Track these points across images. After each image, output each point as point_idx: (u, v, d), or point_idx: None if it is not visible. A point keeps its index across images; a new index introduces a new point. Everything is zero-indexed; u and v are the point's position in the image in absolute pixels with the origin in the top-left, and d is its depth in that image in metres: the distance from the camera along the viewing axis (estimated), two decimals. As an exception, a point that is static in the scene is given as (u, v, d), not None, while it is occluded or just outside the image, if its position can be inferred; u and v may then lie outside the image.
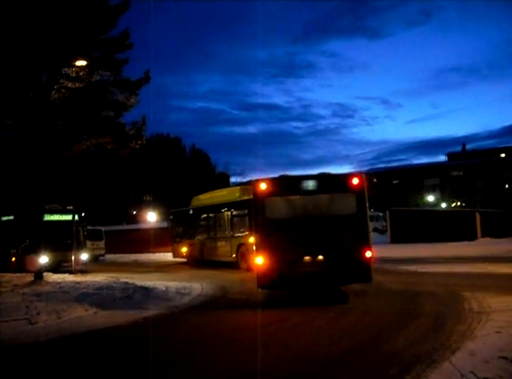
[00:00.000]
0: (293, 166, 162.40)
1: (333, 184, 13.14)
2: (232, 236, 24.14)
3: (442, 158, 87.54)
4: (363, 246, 12.31)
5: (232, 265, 23.58)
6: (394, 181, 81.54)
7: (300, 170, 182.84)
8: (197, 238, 27.74)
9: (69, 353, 8.44)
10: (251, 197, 15.75)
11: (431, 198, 74.20)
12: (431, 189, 78.08)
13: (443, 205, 69.33)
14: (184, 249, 29.18)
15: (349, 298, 12.89)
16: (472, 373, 6.15)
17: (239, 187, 26.26)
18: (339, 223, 12.40)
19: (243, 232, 23.15)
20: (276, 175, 13.10)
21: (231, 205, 24.80)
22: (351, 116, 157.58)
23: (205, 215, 27.54)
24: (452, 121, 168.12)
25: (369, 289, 14.31)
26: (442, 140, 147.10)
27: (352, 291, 14.04)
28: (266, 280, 12.35)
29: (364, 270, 12.33)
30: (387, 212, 39.07)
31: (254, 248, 12.77)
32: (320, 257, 12.29)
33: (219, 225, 26.05)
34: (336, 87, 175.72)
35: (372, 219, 52.96)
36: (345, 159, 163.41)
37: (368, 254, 12.30)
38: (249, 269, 20.06)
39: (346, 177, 13.29)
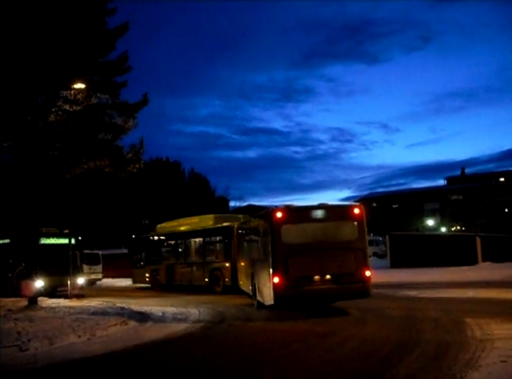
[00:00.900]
0: (292, 190, 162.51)
1: (337, 213, 15.46)
2: (205, 262, 25.00)
3: (442, 182, 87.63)
4: (363, 267, 14.67)
5: (204, 289, 24.36)
6: (394, 206, 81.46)
7: (299, 194, 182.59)
8: (163, 263, 28.15)
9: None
10: (224, 224, 23.07)
11: (430, 222, 73.99)
12: (431, 214, 77.92)
13: (443, 229, 68.98)
14: (147, 275, 29.37)
15: (349, 325, 12.64)
16: (478, 405, 5.90)
17: (212, 215, 27.10)
18: (343, 247, 14.66)
19: (217, 258, 24.49)
20: (278, 202, 15.62)
21: (204, 232, 25.67)
22: (350, 141, 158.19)
23: (172, 242, 28.38)
24: (451, 145, 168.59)
25: (369, 315, 14.09)
26: (441, 165, 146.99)
27: (352, 318, 13.83)
28: (281, 296, 14.29)
29: (365, 287, 14.69)
30: (387, 236, 38.75)
31: (271, 268, 14.43)
32: (328, 276, 14.45)
33: (190, 251, 26.93)
34: (336, 111, 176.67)
35: (371, 243, 52.74)
36: (344, 183, 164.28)
37: (368, 274, 14.69)
38: (222, 292, 22.61)
39: (348, 207, 15.87)
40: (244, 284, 19.81)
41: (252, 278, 17.48)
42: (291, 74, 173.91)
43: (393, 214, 76.47)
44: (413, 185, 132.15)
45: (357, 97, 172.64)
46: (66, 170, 19.84)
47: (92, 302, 19.25)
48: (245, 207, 79.45)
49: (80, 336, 11.88)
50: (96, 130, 19.55)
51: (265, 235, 15.44)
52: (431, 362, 8.26)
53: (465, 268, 30.40)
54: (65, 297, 20.91)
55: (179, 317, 15.45)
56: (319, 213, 15.13)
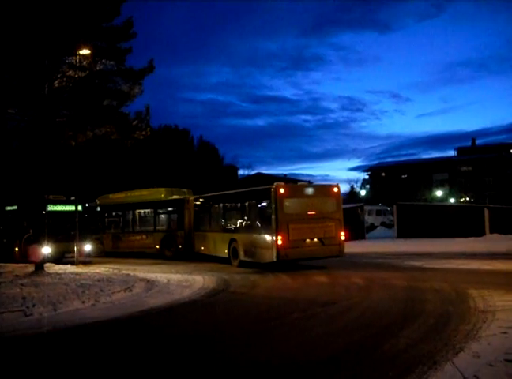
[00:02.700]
0: (301, 159, 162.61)
1: (322, 191, 19.90)
2: (155, 230, 27.36)
3: (452, 153, 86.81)
4: (340, 232, 19.07)
5: (154, 255, 26.42)
6: (403, 176, 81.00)
7: (308, 163, 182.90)
8: (108, 232, 29.73)
9: (59, 346, 8.24)
10: (175, 197, 27.22)
11: (439, 193, 73.59)
12: (440, 184, 77.44)
13: (452, 200, 68.69)
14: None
15: (352, 294, 12.65)
16: (475, 376, 5.88)
17: (163, 189, 28.64)
18: (326, 217, 18.89)
19: (169, 226, 27.02)
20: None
21: (157, 204, 27.69)
22: (360, 110, 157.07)
23: (119, 213, 29.87)
24: (462, 115, 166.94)
25: (373, 284, 14.12)
26: (452, 135, 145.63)
27: (355, 287, 13.86)
28: (283, 255, 17.83)
29: (341, 248, 19.07)
30: (394, 206, 38.61)
31: (275, 233, 17.93)
32: (315, 240, 18.52)
33: (141, 220, 29.05)
34: (346, 80, 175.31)
35: (379, 213, 52.86)
36: (353, 152, 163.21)
37: (343, 237, 19.11)
38: (173, 258, 25.10)
39: (330, 187, 19.99)
40: (211, 250, 23.02)
41: (230, 243, 20.92)
42: (302, 42, 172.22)
43: (402, 184, 76.07)
44: (423, 156, 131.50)
45: (368, 66, 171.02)
46: (72, 136, 19.75)
47: (99, 268, 19.39)
48: (253, 175, 79.46)
49: (84, 302, 11.99)
50: (101, 97, 19.38)
51: (268, 207, 18.68)
52: (432, 332, 8.24)
53: (472, 239, 30.31)
54: (72, 263, 21.04)
55: (184, 284, 15.54)
56: (310, 191, 19.46)
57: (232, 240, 20.81)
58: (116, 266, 20.70)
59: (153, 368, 6.81)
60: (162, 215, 27.87)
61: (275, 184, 18.67)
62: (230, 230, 21.42)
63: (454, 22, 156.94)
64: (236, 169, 72.17)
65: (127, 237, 28.70)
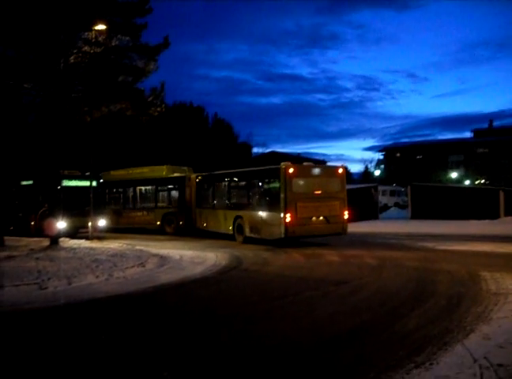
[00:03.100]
0: (316, 138, 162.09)
1: (328, 172, 20.94)
2: (157, 207, 27.89)
3: (468, 134, 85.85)
4: (343, 211, 19.98)
5: (156, 231, 26.91)
6: (418, 157, 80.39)
7: (323, 142, 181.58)
8: (109, 208, 29.09)
9: (74, 319, 8.36)
10: (176, 175, 27.49)
11: (454, 175, 73.04)
12: (455, 166, 76.84)
13: (467, 182, 68.14)
14: None
15: (364, 274, 12.67)
16: (485, 358, 5.87)
17: (164, 166, 28.65)
18: (331, 196, 19.83)
19: (170, 203, 27.62)
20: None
21: (156, 181, 28.05)
22: (376, 89, 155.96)
23: (121, 189, 29.98)
24: (479, 96, 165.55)
25: (385, 264, 14.12)
26: (469, 116, 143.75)
27: (367, 267, 13.85)
28: (291, 231, 18.74)
29: (344, 226, 20.03)
30: (408, 187, 38.45)
31: (283, 210, 18.73)
32: (321, 218, 19.48)
33: (141, 197, 29.39)
34: (362, 59, 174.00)
35: (393, 193, 52.67)
36: (369, 132, 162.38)
37: (346, 216, 20.03)
38: (174, 234, 25.80)
39: (336, 168, 21.00)
40: (214, 226, 23.71)
41: (235, 220, 21.67)
42: (318, 20, 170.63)
43: (417, 165, 75.56)
44: (438, 137, 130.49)
45: (385, 45, 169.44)
46: (88, 112, 19.81)
47: (112, 244, 19.56)
48: (268, 153, 79.28)
49: (97, 277, 12.13)
50: (116, 73, 19.36)
51: (277, 185, 19.41)
52: (443, 313, 8.25)
53: (487, 221, 30.17)
54: (87, 238, 21.25)
55: (196, 260, 15.65)
56: (316, 171, 20.40)
57: (238, 217, 21.58)
58: (130, 242, 20.86)
59: (164, 342, 6.90)
60: (163, 192, 28.38)
61: (282, 164, 19.39)
62: (235, 208, 22.12)
63: (473, 1, 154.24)
64: (250, 147, 71.97)
65: (128, 213, 28.92)
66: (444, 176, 71.49)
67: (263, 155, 77.02)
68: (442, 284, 10.91)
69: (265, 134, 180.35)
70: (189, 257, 16.28)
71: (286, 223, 18.61)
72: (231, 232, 21.98)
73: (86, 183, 22.97)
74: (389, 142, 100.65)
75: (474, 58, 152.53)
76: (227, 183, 23.52)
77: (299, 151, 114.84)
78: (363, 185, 44.42)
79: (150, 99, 20.24)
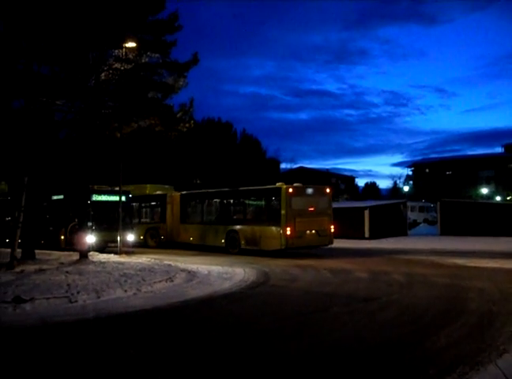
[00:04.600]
0: (344, 153, 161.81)
1: (319, 192, 23.53)
2: (140, 222, 29.27)
3: (499, 149, 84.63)
4: (330, 226, 22.99)
5: (140, 245, 27.87)
6: (447, 173, 79.58)
7: (351, 158, 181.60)
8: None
9: (103, 333, 8.42)
10: (158, 192, 29.80)
11: (485, 191, 72.02)
12: (486, 182, 75.78)
13: (498, 198, 67.07)
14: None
15: (393, 290, 12.52)
16: (518, 378, 5.75)
17: (148, 185, 30.59)
18: (321, 213, 22.71)
19: (152, 219, 29.44)
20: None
21: (139, 198, 29.20)
22: (404, 104, 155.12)
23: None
24: (510, 111, 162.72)
25: (414, 281, 13.95)
26: (499, 131, 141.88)
27: (397, 283, 13.70)
28: (290, 243, 21.53)
29: (330, 238, 23.06)
30: (438, 203, 38.03)
31: (283, 225, 21.51)
32: (313, 231, 22.28)
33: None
34: (390, 74, 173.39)
35: (422, 209, 52.14)
36: (397, 148, 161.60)
37: (332, 230, 23.09)
38: (157, 246, 27.68)
39: (324, 187, 24.01)
40: (202, 240, 25.82)
41: (228, 234, 24.15)
42: (346, 35, 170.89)
43: (446, 181, 74.80)
44: (468, 152, 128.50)
45: (413, 60, 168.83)
46: (117, 128, 20.08)
47: (141, 258, 19.68)
48: (296, 169, 79.27)
49: (126, 291, 12.21)
50: (146, 89, 19.64)
51: (277, 203, 22.09)
52: (474, 332, 8.10)
53: (518, 238, 29.62)
54: (115, 253, 21.44)
55: (225, 276, 15.66)
56: (309, 191, 23.05)
57: (231, 231, 24.12)
58: (158, 256, 21.00)
59: (193, 357, 6.89)
60: (146, 209, 30.14)
61: (278, 184, 22.77)
62: (228, 223, 24.53)
63: (502, 15, 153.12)
64: (279, 163, 72.12)
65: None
66: (474, 192, 70.56)
67: (291, 170, 77.07)
68: (473, 302, 10.73)
69: (293, 150, 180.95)
70: (217, 272, 16.29)
71: (286, 235, 21.36)
72: (223, 245, 24.40)
73: (115, 198, 23.24)
74: (418, 158, 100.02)
75: (503, 71, 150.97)
76: (219, 201, 26.07)
77: (327, 166, 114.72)
78: (391, 201, 44.08)
79: (179, 115, 20.48)
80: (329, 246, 23.22)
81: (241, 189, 25.28)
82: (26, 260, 17.17)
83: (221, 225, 24.81)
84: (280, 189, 22.07)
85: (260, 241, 22.60)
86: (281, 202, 21.77)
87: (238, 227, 23.91)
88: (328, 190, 23.63)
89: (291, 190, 21.85)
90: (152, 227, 28.86)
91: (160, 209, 29.03)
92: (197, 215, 27.06)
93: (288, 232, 21.31)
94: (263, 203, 23.52)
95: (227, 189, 26.53)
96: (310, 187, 23.62)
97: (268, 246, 22.30)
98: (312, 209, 22.38)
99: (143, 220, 29.63)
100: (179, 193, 28.52)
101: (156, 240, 28.53)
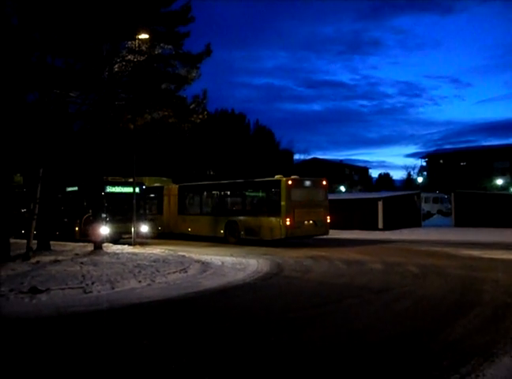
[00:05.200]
0: (357, 144, 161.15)
1: (316, 184, 24.29)
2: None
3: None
4: (326, 216, 23.94)
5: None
6: (461, 163, 78.90)
7: (364, 149, 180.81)
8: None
9: (118, 323, 8.50)
10: (155, 185, 29.96)
11: (499, 182, 71.39)
12: (501, 173, 75.02)
13: (513, 189, 66.48)
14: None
15: (407, 282, 12.48)
16: (534, 370, 5.72)
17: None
18: (318, 204, 23.71)
19: (149, 211, 29.11)
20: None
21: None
22: (418, 95, 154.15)
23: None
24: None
25: (428, 272, 13.89)
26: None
27: (411, 274, 13.66)
28: (290, 232, 22.39)
29: (326, 228, 24.05)
30: (452, 194, 37.74)
31: (284, 215, 22.32)
32: (311, 222, 23.27)
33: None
34: (404, 65, 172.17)
35: (436, 201, 51.78)
36: (411, 139, 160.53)
37: (328, 220, 24.02)
38: (156, 237, 26.89)
39: (321, 180, 24.62)
40: (201, 230, 26.73)
41: (228, 225, 24.99)
42: (359, 26, 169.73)
43: (461, 172, 74.23)
44: (483, 143, 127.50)
45: (427, 50, 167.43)
46: (131, 120, 20.14)
47: (155, 249, 19.77)
48: (310, 160, 79.07)
49: (140, 282, 12.29)
50: (159, 80, 19.64)
51: (277, 195, 22.90)
52: (489, 323, 8.07)
53: (534, 229, 29.36)
54: (129, 244, 21.54)
55: (238, 266, 15.70)
56: (307, 183, 24.00)
57: (230, 222, 24.98)
58: (172, 247, 21.08)
59: (206, 347, 6.93)
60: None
61: (277, 176, 23.77)
62: (227, 214, 25.50)
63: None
64: (292, 154, 72.02)
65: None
66: (489, 183, 69.94)
67: (305, 161, 76.91)
68: (488, 294, 10.67)
69: (306, 141, 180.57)
70: (230, 263, 16.34)
71: (286, 225, 22.28)
72: (222, 235, 25.22)
73: (129, 189, 23.33)
74: (432, 149, 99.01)
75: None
76: (218, 193, 27.03)
77: (340, 157, 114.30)
78: (405, 193, 43.84)
79: (192, 106, 20.50)
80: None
81: (241, 181, 26.41)
82: (41, 252, 17.34)
83: (221, 216, 25.66)
84: (279, 181, 22.97)
85: (260, 231, 23.48)
86: (281, 194, 22.66)
87: (237, 217, 24.80)
88: (324, 183, 24.44)
89: (290, 182, 22.75)
90: (150, 219, 28.68)
91: (157, 201, 29.76)
92: (196, 206, 28.13)
93: (288, 222, 22.26)
94: (263, 195, 24.47)
95: (227, 182, 27.73)
96: (307, 179, 24.59)
97: (268, 236, 23.15)
98: (309, 200, 23.31)
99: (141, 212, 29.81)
100: (177, 186, 29.51)
101: (154, 231, 28.28)
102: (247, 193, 25.46)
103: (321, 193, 24.21)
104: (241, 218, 24.63)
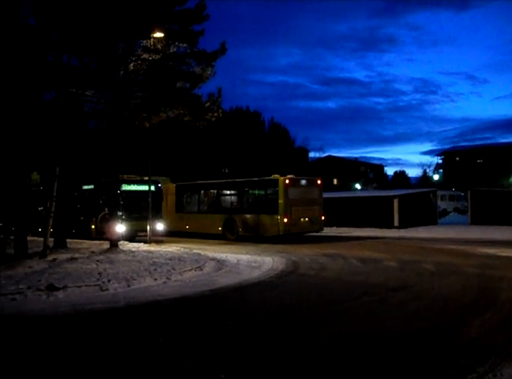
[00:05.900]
0: (373, 142, 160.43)
1: (311, 183, 25.31)
2: None
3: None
4: (321, 214, 24.98)
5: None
6: (478, 161, 78.13)
7: (380, 146, 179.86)
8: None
9: (134, 320, 8.55)
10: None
11: (517, 179, 70.59)
12: (518, 170, 74.18)
13: (531, 187, 65.76)
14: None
15: (422, 280, 12.42)
16: (552, 370, 5.66)
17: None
18: (313, 202, 24.65)
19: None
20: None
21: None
22: (434, 92, 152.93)
23: None
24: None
25: (444, 271, 13.81)
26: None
27: (427, 272, 13.60)
28: (287, 229, 23.36)
29: (321, 225, 25.14)
30: (468, 192, 37.41)
31: (281, 213, 23.23)
32: (307, 219, 24.18)
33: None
34: (419, 61, 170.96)
35: (453, 198, 51.36)
36: (426, 136, 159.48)
37: (323, 218, 25.09)
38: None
39: (316, 179, 25.74)
40: (198, 227, 27.25)
41: (226, 222, 25.77)
42: (374, 23, 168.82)
43: (477, 169, 73.52)
44: (500, 140, 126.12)
45: (443, 46, 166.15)
46: (146, 118, 20.22)
47: (170, 247, 19.85)
48: (325, 158, 78.75)
49: (156, 280, 12.35)
50: (174, 79, 19.70)
51: (275, 193, 23.85)
52: (506, 322, 8.01)
53: (552, 227, 29.03)
54: (145, 242, 21.64)
55: (253, 264, 15.71)
56: (303, 182, 25.11)
57: (228, 219, 25.73)
58: (187, 245, 21.15)
59: (222, 345, 6.95)
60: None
61: (274, 176, 24.64)
62: (225, 212, 26.16)
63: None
64: (307, 151, 71.83)
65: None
66: (506, 181, 69.23)
67: (320, 159, 76.66)
68: (505, 292, 10.57)
69: (321, 138, 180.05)
70: (245, 261, 16.36)
71: (284, 223, 23.21)
72: (221, 232, 25.99)
73: (145, 187, 23.43)
74: (448, 146, 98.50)
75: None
76: (216, 191, 27.78)
77: (355, 155, 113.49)
78: (421, 190, 43.58)
79: (207, 104, 20.53)
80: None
81: (240, 180, 27.41)
82: (58, 249, 17.46)
83: (219, 214, 26.35)
84: (277, 180, 23.92)
85: (259, 228, 24.34)
86: (279, 192, 23.59)
87: (236, 215, 25.53)
88: (319, 182, 25.52)
89: (287, 181, 23.73)
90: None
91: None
92: (194, 204, 28.81)
93: (285, 220, 23.19)
94: (261, 193, 25.25)
95: (225, 181, 29.12)
96: (303, 178, 25.69)
97: (266, 233, 24.07)
98: (305, 199, 24.31)
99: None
100: (174, 185, 30.00)
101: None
102: (245, 192, 26.26)
103: (316, 191, 25.16)
104: (239, 215, 25.35)
